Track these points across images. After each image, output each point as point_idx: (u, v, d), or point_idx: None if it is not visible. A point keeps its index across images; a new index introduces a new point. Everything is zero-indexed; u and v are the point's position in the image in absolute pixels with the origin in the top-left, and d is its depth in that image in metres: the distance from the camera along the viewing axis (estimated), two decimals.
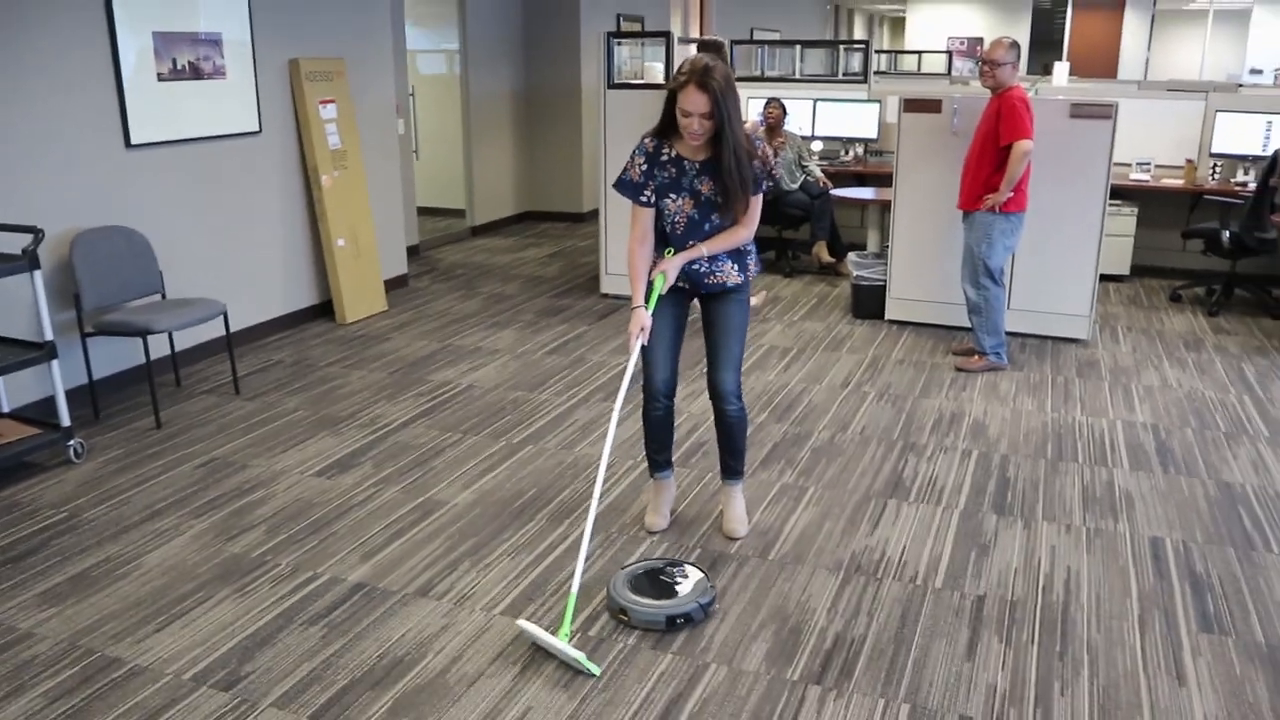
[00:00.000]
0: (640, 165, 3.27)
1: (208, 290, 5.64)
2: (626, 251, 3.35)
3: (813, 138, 8.36)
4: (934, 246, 6.07)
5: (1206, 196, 6.82)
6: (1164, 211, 7.54)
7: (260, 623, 3.12)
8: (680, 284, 3.37)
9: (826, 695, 2.74)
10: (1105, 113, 5.58)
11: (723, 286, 3.37)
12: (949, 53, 14.60)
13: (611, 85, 6.63)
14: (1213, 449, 4.41)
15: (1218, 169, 7.41)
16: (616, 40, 6.74)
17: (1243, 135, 7.31)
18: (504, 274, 7.89)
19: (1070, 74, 15.40)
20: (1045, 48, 17.71)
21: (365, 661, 2.92)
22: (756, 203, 3.28)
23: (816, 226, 7.44)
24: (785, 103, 7.66)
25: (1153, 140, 7.67)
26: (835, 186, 7.48)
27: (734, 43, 9.04)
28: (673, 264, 3.28)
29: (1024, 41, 18.03)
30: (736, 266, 3.36)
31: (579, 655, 2.84)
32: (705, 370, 3.52)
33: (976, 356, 5.45)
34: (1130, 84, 11.58)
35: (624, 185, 3.32)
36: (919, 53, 15.58)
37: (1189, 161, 7.44)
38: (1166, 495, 3.94)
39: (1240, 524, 3.71)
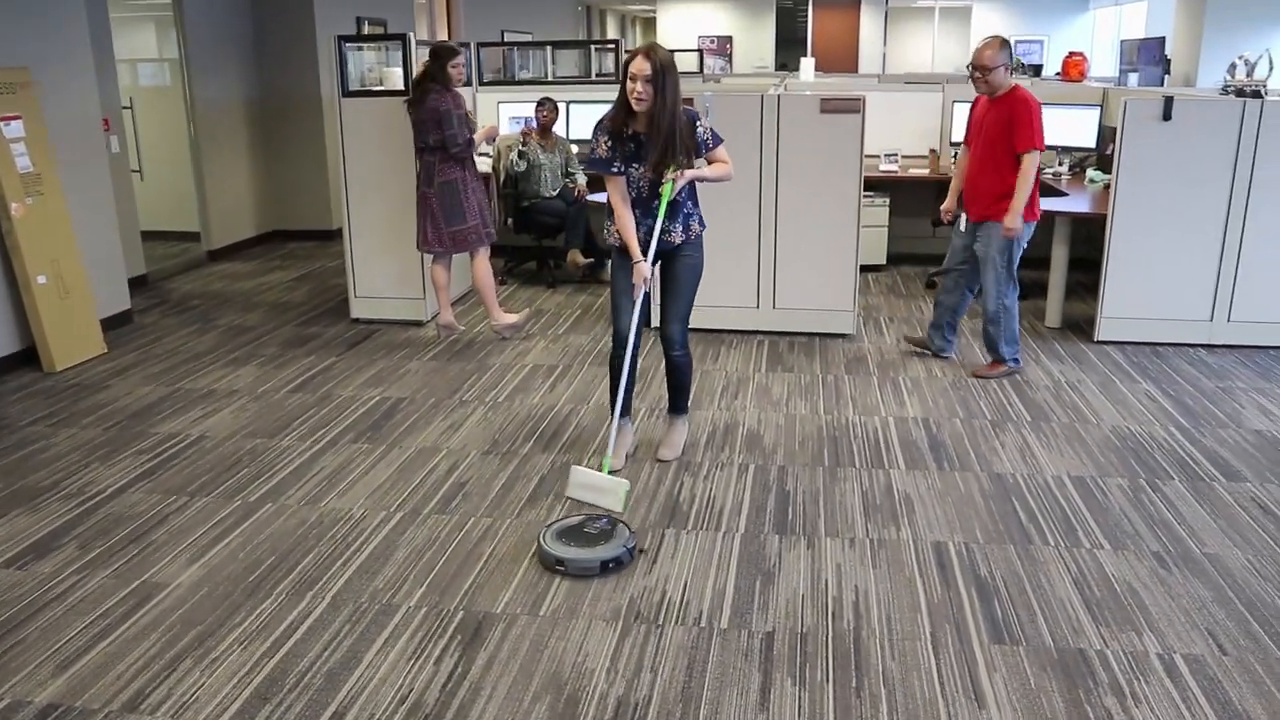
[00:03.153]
0: (605, 142, 3.86)
1: None
2: (615, 217, 3.90)
3: (568, 140, 8.08)
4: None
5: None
6: (914, 200, 7.72)
7: None
8: (655, 249, 3.92)
9: None
10: (854, 106, 5.56)
11: (670, 245, 3.96)
12: (699, 51, 14.70)
13: (346, 93, 6.11)
14: (982, 439, 4.40)
15: (958, 157, 7.63)
16: (350, 44, 6.21)
17: None
18: (245, 302, 7.19)
19: (815, 69, 15.89)
20: (790, 45, 18.27)
21: None
22: (721, 150, 3.96)
23: (570, 234, 7.16)
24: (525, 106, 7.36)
25: (898, 132, 7.84)
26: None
27: (480, 45, 8.65)
28: (690, 172, 3.86)
29: (770, 41, 18.55)
30: (681, 228, 3.97)
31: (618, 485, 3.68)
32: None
33: (995, 364, 5.24)
34: (870, 78, 11.99)
35: (595, 163, 3.91)
36: (672, 52, 15.61)
37: (932, 151, 7.65)
38: (944, 494, 3.87)
39: (1016, 518, 3.67)
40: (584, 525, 3.52)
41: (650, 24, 22.66)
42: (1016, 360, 5.22)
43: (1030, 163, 4.76)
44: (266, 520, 3.82)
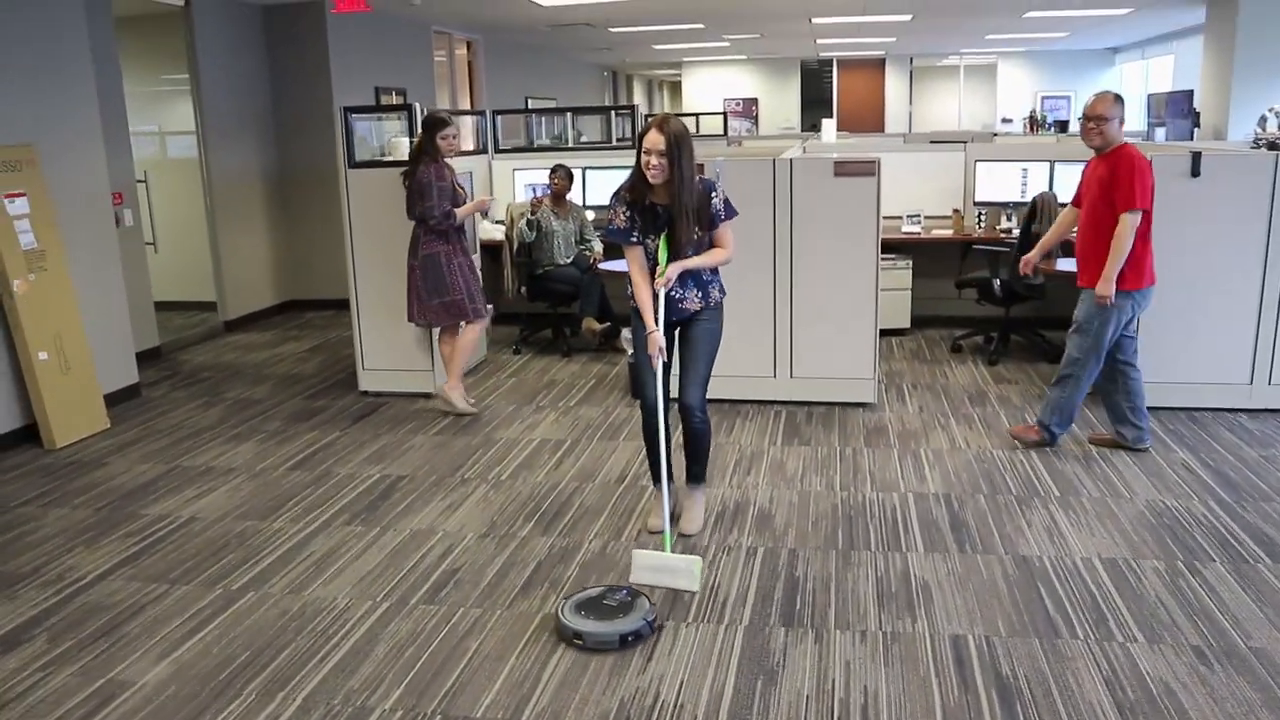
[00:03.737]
0: (624, 213, 3.87)
1: None
2: (632, 286, 3.90)
3: (584, 207, 7.98)
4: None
5: (975, 246, 6.79)
6: (938, 262, 7.51)
7: None
8: (672, 318, 3.93)
9: None
10: (869, 169, 5.39)
11: (688, 313, 3.94)
12: (724, 114, 14.69)
13: (352, 164, 6.04)
14: (1007, 518, 4.14)
15: (983, 217, 7.45)
16: (357, 115, 6.16)
17: (1002, 183, 7.38)
18: (255, 374, 7.09)
19: (840, 129, 15.85)
20: (816, 106, 18.25)
21: None
22: (727, 229, 3.91)
23: (585, 302, 7.01)
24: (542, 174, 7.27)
25: (921, 192, 7.67)
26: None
27: (496, 113, 8.61)
28: (676, 265, 3.81)
29: (795, 102, 18.54)
30: (700, 294, 3.94)
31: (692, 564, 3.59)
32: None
33: (1033, 428, 4.96)
34: (895, 137, 11.86)
35: (614, 233, 3.91)
36: (697, 115, 15.64)
37: (955, 211, 7.46)
38: (964, 579, 3.61)
39: (1042, 606, 3.40)
40: (603, 597, 3.43)
41: (676, 88, 22.78)
42: (1054, 435, 4.91)
43: (1128, 224, 4.42)
44: (246, 610, 3.63)
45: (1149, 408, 4.94)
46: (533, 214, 6.93)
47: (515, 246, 7.08)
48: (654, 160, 3.69)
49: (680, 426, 4.11)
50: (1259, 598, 3.42)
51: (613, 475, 4.79)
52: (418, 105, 5.91)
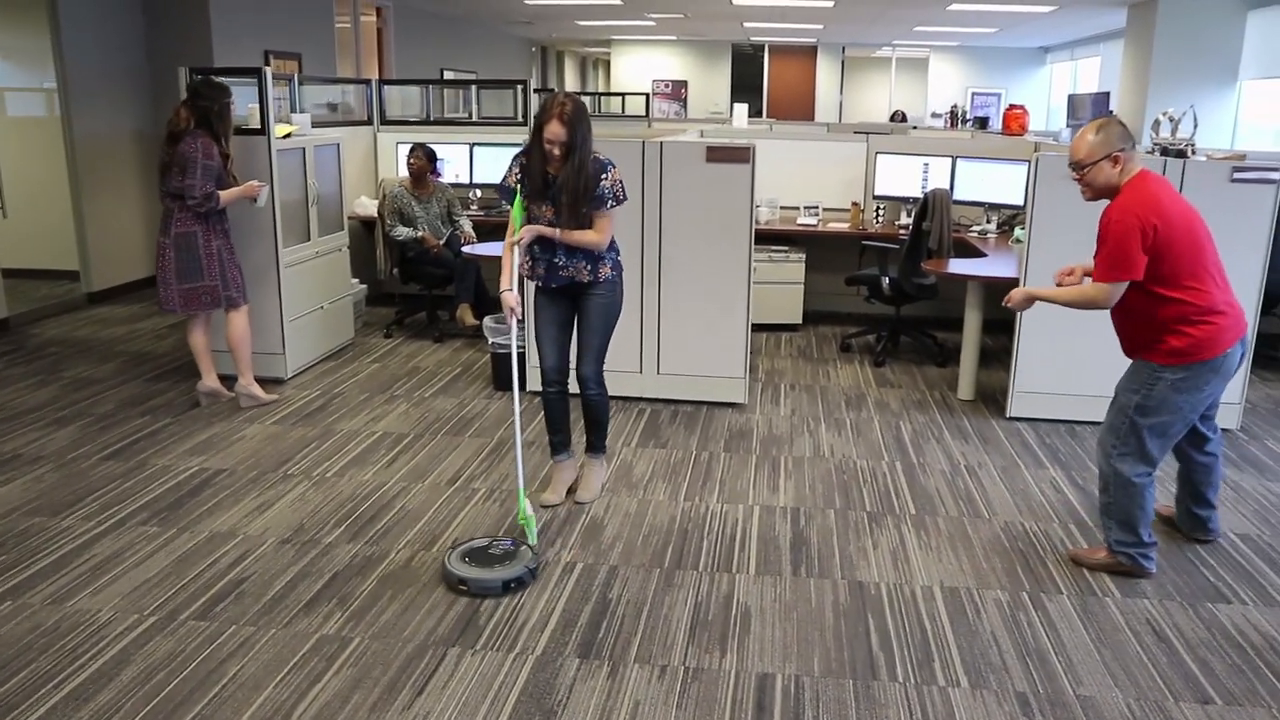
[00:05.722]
0: (515, 174, 3.88)
1: None
2: (503, 247, 3.88)
3: (471, 185, 7.58)
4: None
5: (865, 242, 6.51)
6: (835, 256, 7.24)
7: None
8: (553, 285, 3.96)
9: None
10: (742, 156, 5.07)
11: (572, 280, 3.92)
12: (646, 95, 14.32)
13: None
14: (853, 537, 3.85)
15: (882, 211, 7.18)
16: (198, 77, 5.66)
17: (903, 177, 7.13)
18: (106, 351, 6.59)
19: (769, 116, 15.57)
20: (747, 91, 17.94)
21: None
22: (608, 216, 3.85)
23: (460, 286, 6.63)
24: (434, 148, 6.85)
25: (823, 183, 7.40)
26: (480, 240, 6.70)
27: (383, 82, 8.16)
28: (531, 229, 3.81)
29: (725, 87, 18.22)
30: (588, 266, 3.91)
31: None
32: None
33: (1099, 548, 3.67)
34: (816, 125, 11.60)
35: (501, 189, 3.99)
36: (623, 95, 15.27)
37: (855, 204, 7.18)
38: (790, 607, 3.31)
39: (866, 642, 3.11)
40: (489, 547, 3.56)
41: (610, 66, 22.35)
42: (1131, 557, 3.53)
43: (1093, 294, 3.38)
44: None
45: (1025, 418, 4.67)
46: (385, 212, 6.56)
47: (387, 225, 6.66)
48: (556, 151, 3.71)
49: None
50: (1099, 637, 3.16)
51: (446, 476, 4.43)
52: (267, 70, 5.43)
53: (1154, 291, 3.32)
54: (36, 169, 7.98)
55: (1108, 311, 3.49)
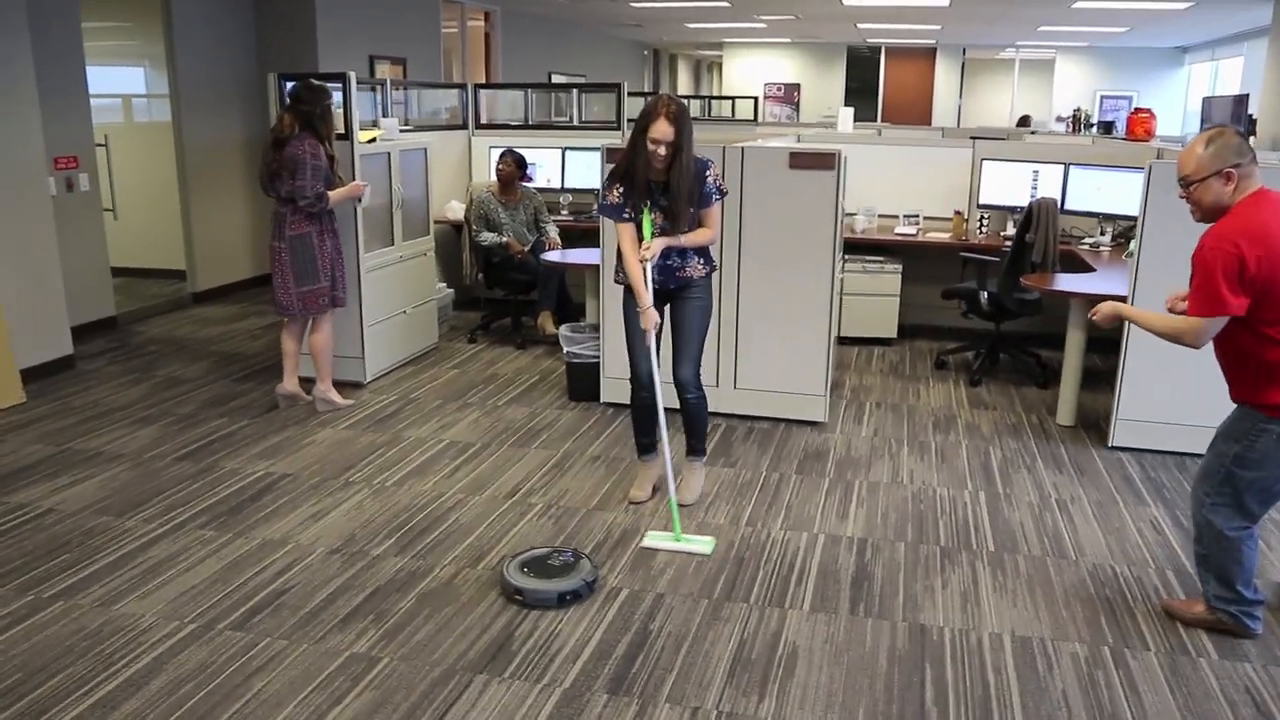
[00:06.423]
0: (617, 189, 3.85)
1: None
2: (624, 262, 3.84)
3: (563, 190, 7.51)
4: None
5: (963, 253, 6.16)
6: (935, 267, 6.90)
7: None
8: (670, 286, 3.94)
9: None
10: (828, 163, 4.83)
11: (690, 280, 3.95)
12: (755, 99, 14.07)
13: None
14: (921, 574, 3.59)
15: (986, 221, 6.82)
16: (292, 84, 5.71)
17: (1011, 185, 6.75)
18: (199, 350, 6.73)
19: (885, 120, 15.15)
20: (862, 94, 17.50)
21: None
22: (717, 209, 3.91)
23: (542, 293, 6.54)
24: (525, 153, 6.80)
25: (928, 191, 7.06)
26: (567, 246, 6.61)
27: (478, 86, 8.16)
28: (660, 241, 3.80)
29: (839, 90, 17.81)
30: (701, 261, 3.96)
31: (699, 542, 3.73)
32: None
33: (1196, 602, 3.30)
34: (928, 130, 11.18)
35: (606, 209, 3.92)
36: (732, 99, 15.06)
37: (957, 213, 6.84)
38: (842, 650, 3.08)
39: (919, 693, 2.86)
40: (548, 557, 3.51)
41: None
42: (1233, 615, 3.17)
43: (1186, 328, 3.00)
44: (44, 624, 3.24)
45: (1129, 448, 4.30)
46: (472, 217, 6.53)
47: (473, 230, 6.62)
48: (662, 150, 3.67)
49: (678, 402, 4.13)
50: (1186, 704, 2.84)
51: (505, 489, 4.33)
52: (351, 75, 5.44)
53: (1263, 333, 2.94)
54: (149, 173, 8.23)
55: (1210, 345, 3.13)
